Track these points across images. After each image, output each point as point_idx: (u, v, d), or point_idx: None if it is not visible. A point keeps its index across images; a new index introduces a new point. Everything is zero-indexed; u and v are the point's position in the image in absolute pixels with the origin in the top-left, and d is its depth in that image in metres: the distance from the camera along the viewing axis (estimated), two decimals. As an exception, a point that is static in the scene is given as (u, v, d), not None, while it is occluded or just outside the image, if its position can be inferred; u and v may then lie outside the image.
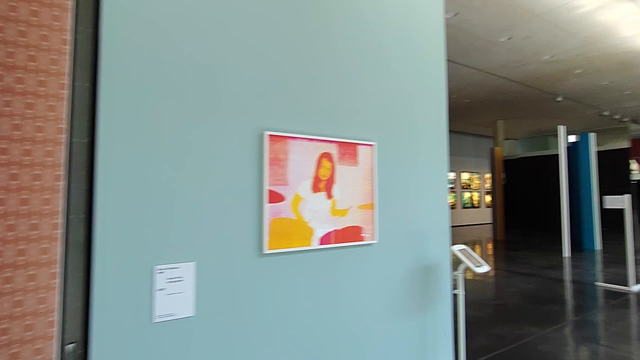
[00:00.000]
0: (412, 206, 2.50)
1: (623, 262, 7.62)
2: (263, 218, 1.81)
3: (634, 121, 14.36)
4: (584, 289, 5.52)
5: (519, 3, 6.05)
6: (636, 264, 7.37)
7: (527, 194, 12.56)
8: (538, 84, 10.24)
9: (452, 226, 16.97)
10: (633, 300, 4.84)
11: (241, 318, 1.78)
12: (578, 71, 9.25)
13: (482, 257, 9.30)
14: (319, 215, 1.98)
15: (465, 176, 18.14)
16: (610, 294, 5.13)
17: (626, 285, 5.23)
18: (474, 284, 6.31)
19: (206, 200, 1.72)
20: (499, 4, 6.03)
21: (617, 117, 13.87)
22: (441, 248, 2.67)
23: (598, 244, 9.30)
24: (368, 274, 2.23)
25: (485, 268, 2.30)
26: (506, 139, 19.09)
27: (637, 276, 6.28)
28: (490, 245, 11.05)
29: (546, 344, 3.41)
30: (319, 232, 1.98)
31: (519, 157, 13.52)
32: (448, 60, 8.42)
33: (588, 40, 7.47)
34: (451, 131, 17.16)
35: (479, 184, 18.91)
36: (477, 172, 18.79)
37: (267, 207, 1.81)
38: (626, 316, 4.29)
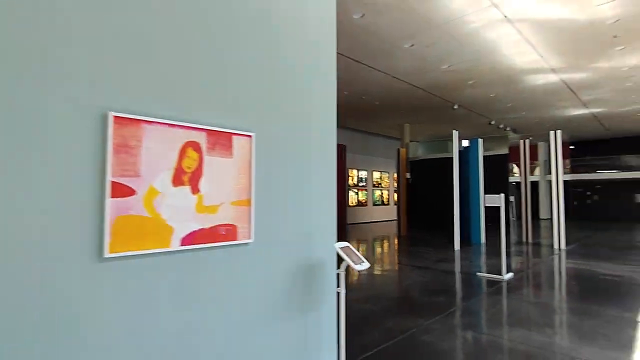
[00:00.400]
0: (296, 203, 2.38)
1: (500, 254, 8.63)
2: (104, 215, 1.51)
3: (514, 131, 16.44)
4: (467, 279, 6.07)
5: (420, 11, 6.40)
6: (508, 255, 8.40)
7: (429, 193, 13.61)
8: (438, 91, 11.12)
9: (364, 222, 17.73)
10: (505, 288, 5.44)
11: (74, 339, 1.45)
12: (471, 82, 10.25)
13: (385, 252, 9.80)
14: (181, 213, 1.73)
15: (376, 175, 19.09)
16: (487, 283, 5.70)
17: (500, 274, 5.89)
18: (374, 278, 6.56)
19: (25, 195, 1.36)
20: (402, 9, 6.32)
21: (501, 126, 15.79)
22: (328, 246, 2.60)
23: (483, 238, 10.44)
24: (242, 276, 2.04)
25: (364, 265, 2.28)
26: (412, 141, 20.57)
27: (508, 265, 7.13)
28: (393, 241, 11.73)
29: (429, 334, 3.60)
30: (181, 232, 1.73)
31: (423, 158, 14.57)
32: (357, 62, 8.66)
33: (479, 54, 8.27)
34: (363, 132, 17.89)
35: (389, 183, 20.08)
36: (387, 172, 19.92)
37: (110, 202, 1.51)
38: (498, 302, 4.79)
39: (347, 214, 16.51)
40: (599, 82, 10.44)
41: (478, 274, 6.23)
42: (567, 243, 10.20)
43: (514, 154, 12.29)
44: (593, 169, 20.76)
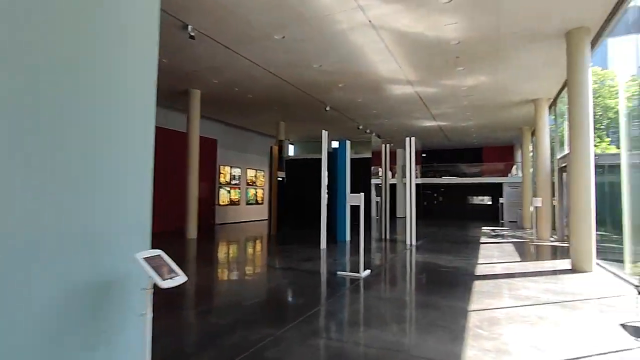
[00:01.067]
0: (79, 196, 1.67)
1: (366, 250, 9.01)
2: None
3: (378, 136, 17.82)
4: (327, 279, 6.01)
5: (291, 1, 6.11)
6: (368, 253, 8.84)
7: (302, 192, 13.66)
8: (311, 91, 11.18)
9: (236, 222, 16.92)
10: (361, 285, 5.51)
11: None
12: (341, 85, 10.56)
13: (251, 253, 9.31)
14: None
15: (251, 173, 18.49)
16: (346, 282, 5.72)
17: (358, 272, 6.00)
18: (231, 284, 6.00)
19: None
20: (271, -6, 5.92)
21: (368, 130, 16.97)
22: (133, 255, 1.94)
23: (348, 236, 10.86)
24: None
25: (176, 281, 1.73)
26: (289, 141, 20.66)
27: (367, 263, 7.42)
28: (262, 241, 11.36)
29: (277, 347, 3.22)
30: None
31: (297, 157, 14.57)
32: (225, 47, 7.97)
33: (348, 58, 8.48)
34: (239, 127, 17.12)
35: (264, 182, 19.70)
36: (263, 170, 19.51)
37: None
38: (354, 302, 4.77)
39: (218, 214, 15.50)
40: (444, 98, 11.96)
41: (338, 273, 6.25)
42: (418, 239, 11.37)
43: (378, 158, 13.23)
44: (439, 174, 24.19)
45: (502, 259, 8.09)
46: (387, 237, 11.55)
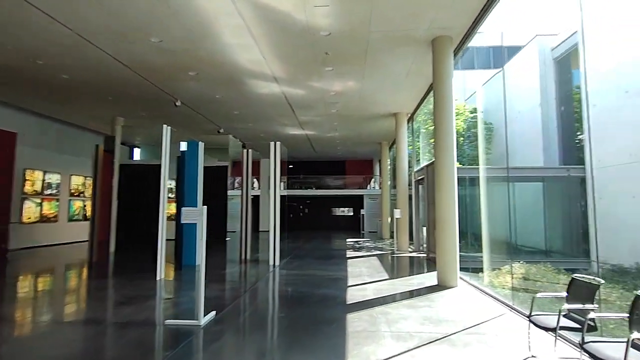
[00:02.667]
0: None
1: (217, 280, 7.20)
2: None
3: (243, 144, 16.18)
4: (146, 337, 4.04)
5: None
6: (219, 281, 7.07)
7: (142, 204, 10.96)
8: (154, 77, 8.89)
9: (52, 245, 12.78)
10: (196, 344, 3.75)
11: None
12: (193, 73, 8.61)
13: (52, 292, 6.43)
14: None
15: (77, 180, 14.48)
16: (174, 338, 3.88)
17: (195, 319, 4.23)
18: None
19: None
20: None
21: (230, 135, 15.17)
22: None
23: (199, 259, 8.81)
24: None
25: None
26: (135, 143, 17.20)
27: (218, 298, 5.66)
28: (74, 272, 8.40)
29: None
30: None
31: (137, 163, 11.75)
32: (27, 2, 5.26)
33: (195, 33, 6.66)
34: (58, 120, 13.13)
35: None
36: (96, 178, 15.59)
37: None
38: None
39: (17, 235, 11.30)
40: (312, 104, 11.16)
41: (167, 322, 4.33)
42: (282, 257, 10.09)
43: (238, 168, 11.57)
44: (306, 186, 23.86)
45: (371, 276, 7.37)
46: (248, 257, 9.93)
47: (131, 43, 7.04)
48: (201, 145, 9.03)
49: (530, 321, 3.38)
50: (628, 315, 2.78)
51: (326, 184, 24.39)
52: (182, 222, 4.45)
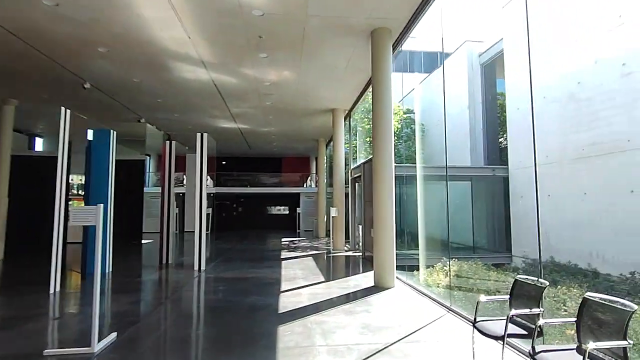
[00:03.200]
0: None
1: (129, 290, 6.19)
2: None
3: (168, 136, 14.78)
4: (14, 374, 3.10)
5: None
6: (128, 292, 6.10)
7: (39, 202, 9.33)
8: (54, 52, 7.48)
9: None
10: (82, 380, 2.94)
11: None
12: (102, 49, 7.39)
13: None
14: None
15: (-43, 175, 11.99)
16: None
17: (88, 346, 3.37)
18: None
19: None
20: None
21: (154, 127, 13.74)
22: None
23: (109, 267, 7.64)
24: None
25: None
26: (25, 132, 14.84)
27: (116, 317, 4.77)
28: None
29: None
30: None
31: (37, 155, 10.02)
32: None
33: (102, 0, 5.61)
34: None
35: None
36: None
37: None
38: None
39: None
40: (245, 94, 10.40)
41: (47, 352, 3.41)
42: (211, 260, 9.21)
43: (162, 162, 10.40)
44: (240, 184, 22.77)
45: (305, 279, 6.90)
46: (169, 261, 8.90)
47: (16, 3, 5.73)
48: (112, 133, 7.84)
49: (475, 328, 3.13)
50: (575, 320, 2.62)
51: (261, 181, 23.53)
52: (72, 224, 3.54)
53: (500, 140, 12.01)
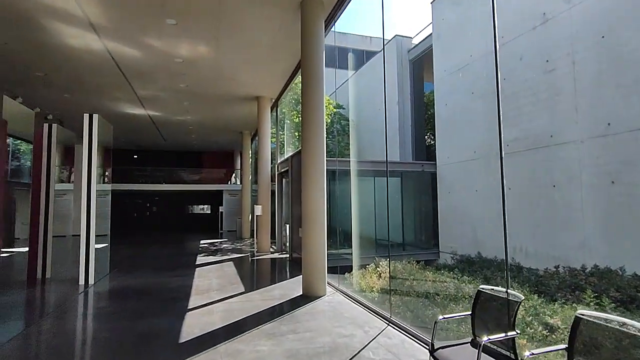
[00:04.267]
0: None
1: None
2: None
3: (60, 122, 12.35)
4: None
5: None
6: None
7: None
8: None
9: None
10: None
11: None
12: (-63, -7, 5.44)
13: None
14: None
15: None
16: None
17: None
18: None
19: None
20: None
21: (37, 109, 11.27)
22: None
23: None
24: None
25: None
26: None
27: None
28: None
29: None
30: None
31: None
32: None
33: None
34: None
35: None
36: None
37: None
38: None
39: None
40: (154, 73, 8.83)
41: None
42: (105, 271, 7.56)
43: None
44: (155, 180, 20.37)
45: (222, 290, 5.79)
46: (46, 274, 7.08)
47: None
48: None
49: (434, 357, 2.42)
50: (566, 347, 2.01)
51: (181, 178, 21.32)
52: None
53: (425, 136, 12.06)
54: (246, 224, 15.43)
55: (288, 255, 9.49)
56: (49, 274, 7.10)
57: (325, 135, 5.76)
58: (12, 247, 12.12)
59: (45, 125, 7.41)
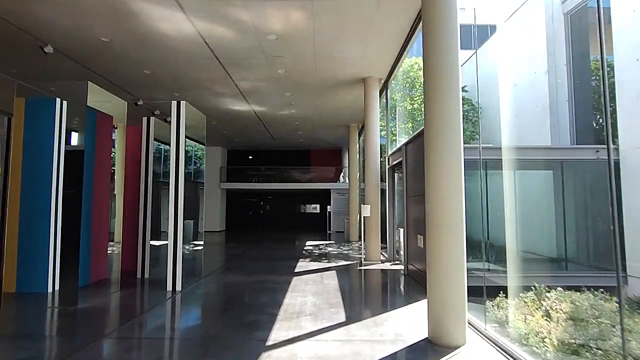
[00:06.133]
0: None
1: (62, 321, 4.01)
2: None
3: (165, 119, 12.73)
4: None
5: None
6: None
7: None
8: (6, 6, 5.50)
9: None
10: None
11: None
12: (32, -18, 5.29)
13: None
14: None
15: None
16: None
17: None
18: None
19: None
20: None
21: (157, 112, 11.75)
22: None
23: (52, 283, 5.57)
24: None
25: None
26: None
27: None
28: None
29: None
30: None
31: None
32: None
33: None
34: None
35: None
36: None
37: None
38: None
39: None
40: (249, 58, 8.00)
41: None
42: (204, 272, 6.94)
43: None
44: (266, 180, 20.64)
45: (315, 318, 4.37)
46: (145, 275, 6.74)
47: None
48: (60, 103, 5.79)
49: None
50: None
51: (291, 177, 21.16)
52: None
53: (594, 113, 8.77)
54: (354, 226, 14.06)
55: (403, 268, 7.69)
56: (146, 275, 6.76)
57: (461, 110, 3.85)
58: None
59: (144, 119, 7.14)
